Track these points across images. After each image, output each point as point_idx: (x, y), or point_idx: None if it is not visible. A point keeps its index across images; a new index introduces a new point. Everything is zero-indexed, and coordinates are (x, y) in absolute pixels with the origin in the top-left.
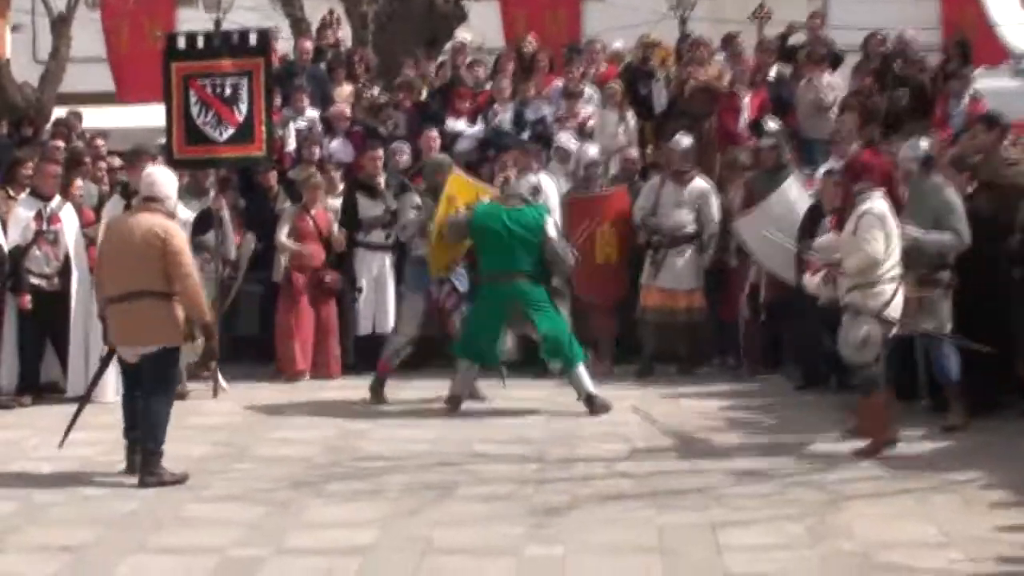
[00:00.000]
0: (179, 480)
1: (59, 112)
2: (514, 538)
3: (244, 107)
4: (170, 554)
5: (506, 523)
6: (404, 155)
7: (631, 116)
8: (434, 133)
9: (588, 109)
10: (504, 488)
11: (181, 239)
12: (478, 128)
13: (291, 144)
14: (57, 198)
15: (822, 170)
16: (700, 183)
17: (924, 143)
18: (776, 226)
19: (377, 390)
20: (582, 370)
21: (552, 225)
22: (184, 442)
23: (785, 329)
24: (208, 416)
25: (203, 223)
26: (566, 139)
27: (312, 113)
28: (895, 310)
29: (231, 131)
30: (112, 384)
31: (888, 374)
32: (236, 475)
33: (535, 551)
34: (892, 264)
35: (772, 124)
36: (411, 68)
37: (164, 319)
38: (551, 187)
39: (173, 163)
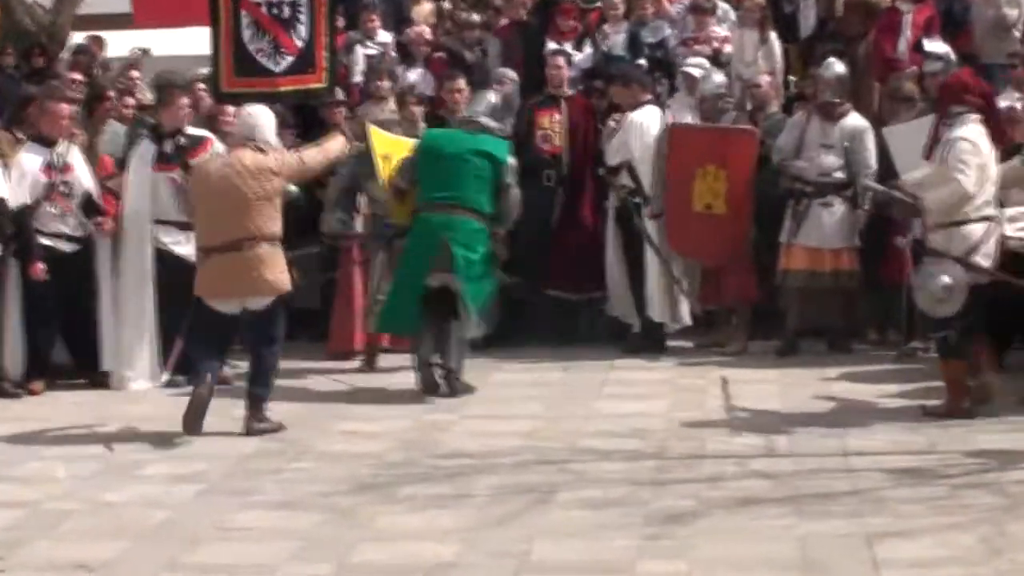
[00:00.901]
0: (277, 429)
1: (76, 38)
2: (627, 551)
3: (304, 30)
4: (209, 573)
5: (617, 533)
6: (507, 84)
7: (775, 38)
8: (560, 60)
9: (721, 30)
10: (615, 491)
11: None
12: (586, 54)
13: (358, 75)
14: (63, 142)
15: (1002, 104)
16: (854, 120)
17: None
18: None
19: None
20: (467, 340)
21: (512, 168)
22: (229, 437)
23: None
24: None
25: None
26: (696, 63)
27: (385, 37)
28: (986, 256)
29: (289, 60)
30: (147, 370)
31: (974, 334)
32: (290, 476)
33: (652, 567)
34: (984, 201)
35: (936, 46)
36: None
37: (280, 266)
38: (650, 122)
39: (220, 97)
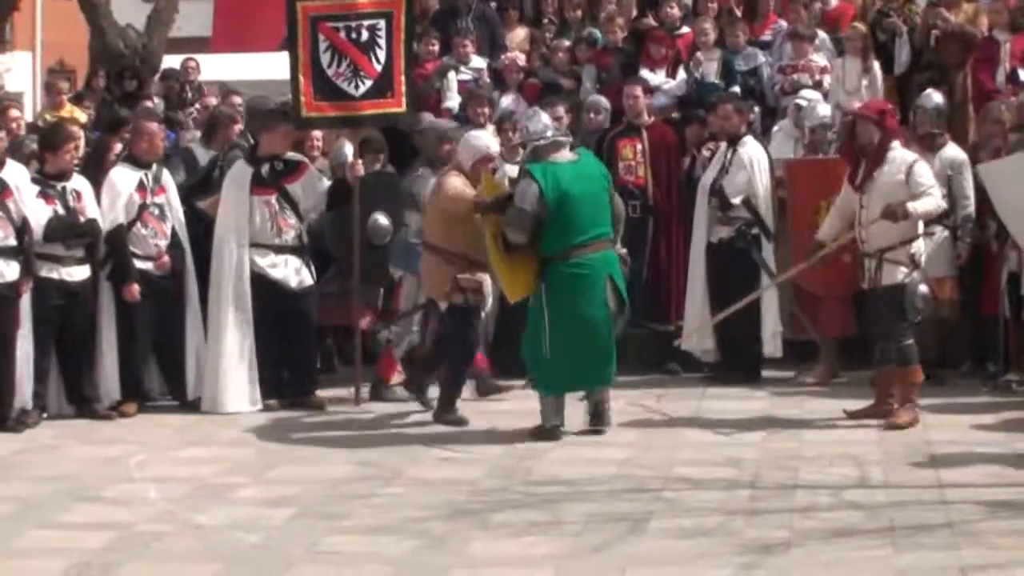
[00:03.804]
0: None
1: (169, 62)
2: None
3: (383, 55)
4: None
5: (711, 562)
6: (601, 113)
7: (877, 67)
8: (637, 89)
9: (820, 59)
10: (709, 520)
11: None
12: (678, 81)
13: (452, 100)
14: (156, 164)
15: None
16: (952, 151)
17: None
18: None
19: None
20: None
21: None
22: (321, 461)
23: None
24: (350, 429)
25: (337, 195)
26: (810, 96)
27: (479, 62)
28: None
29: (369, 84)
30: (237, 393)
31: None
32: (383, 501)
33: None
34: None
35: None
36: (610, 2)
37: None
38: (753, 155)
39: (301, 122)
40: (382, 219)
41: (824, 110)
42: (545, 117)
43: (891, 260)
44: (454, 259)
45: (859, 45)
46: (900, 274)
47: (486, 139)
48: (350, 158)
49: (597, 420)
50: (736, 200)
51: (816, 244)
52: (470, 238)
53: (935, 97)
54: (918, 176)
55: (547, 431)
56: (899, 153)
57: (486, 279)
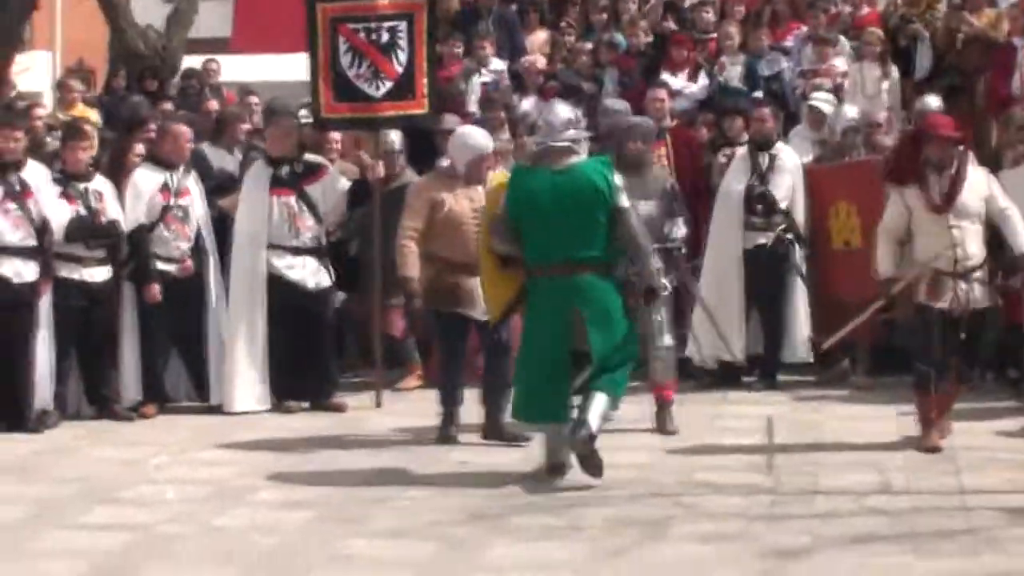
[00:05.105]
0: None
1: (189, 62)
2: None
3: (404, 56)
4: None
5: (731, 568)
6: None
7: (895, 72)
8: (661, 92)
9: (841, 63)
10: (730, 525)
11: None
12: (700, 85)
13: (474, 103)
14: (180, 167)
15: None
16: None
17: None
18: None
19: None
20: (607, 407)
21: (622, 189)
22: (340, 464)
23: None
24: (371, 431)
25: (359, 196)
26: (824, 98)
27: (499, 65)
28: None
29: (389, 85)
30: (247, 392)
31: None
32: (403, 505)
33: None
34: None
35: None
36: (633, 4)
37: None
38: (792, 160)
39: (321, 123)
40: None
41: (852, 113)
42: (565, 111)
43: (979, 280)
44: (437, 262)
45: (876, 50)
46: (987, 293)
47: (480, 137)
48: (397, 146)
49: (586, 468)
50: (784, 205)
51: (885, 281)
52: (453, 241)
53: (932, 101)
54: (1000, 197)
55: (552, 468)
56: (976, 170)
57: (475, 286)
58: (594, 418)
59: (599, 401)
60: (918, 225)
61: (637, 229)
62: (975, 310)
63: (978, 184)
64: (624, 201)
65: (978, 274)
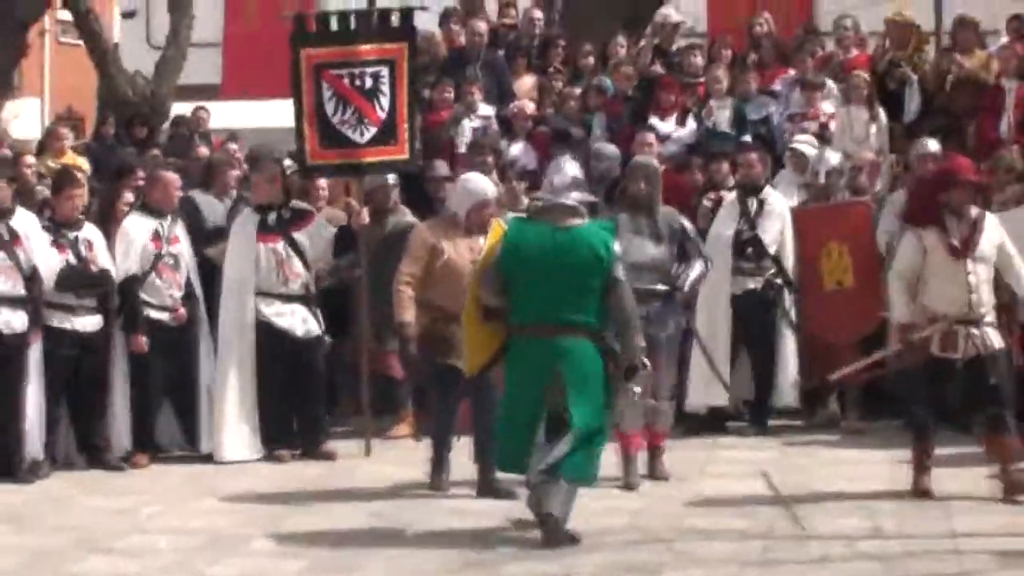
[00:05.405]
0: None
1: (178, 109)
2: None
3: (386, 102)
4: None
5: None
6: (605, 161)
7: (883, 115)
8: (649, 137)
9: (828, 106)
10: (722, 571)
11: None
12: (689, 129)
13: (464, 147)
14: (169, 214)
15: None
16: None
17: None
18: None
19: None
20: (574, 488)
21: (620, 260)
22: (333, 513)
23: None
24: (361, 480)
25: (344, 243)
26: (806, 141)
27: (487, 110)
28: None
29: (373, 131)
30: (238, 441)
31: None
32: (396, 553)
33: None
34: None
35: None
36: (621, 48)
37: None
38: (781, 204)
39: (307, 171)
40: None
41: (836, 158)
42: (573, 169)
43: (991, 324)
44: (433, 311)
45: (863, 93)
46: (1000, 337)
47: (483, 183)
48: (392, 179)
49: (544, 532)
50: (773, 250)
51: (901, 327)
52: (449, 290)
53: (930, 145)
54: (1008, 243)
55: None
56: (991, 216)
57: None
58: (558, 505)
59: (566, 490)
60: (932, 268)
61: (628, 303)
62: (995, 354)
63: (992, 230)
64: (621, 273)
65: (990, 318)
